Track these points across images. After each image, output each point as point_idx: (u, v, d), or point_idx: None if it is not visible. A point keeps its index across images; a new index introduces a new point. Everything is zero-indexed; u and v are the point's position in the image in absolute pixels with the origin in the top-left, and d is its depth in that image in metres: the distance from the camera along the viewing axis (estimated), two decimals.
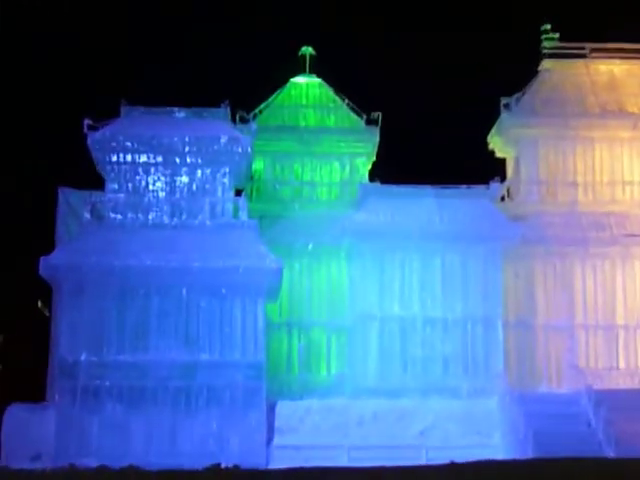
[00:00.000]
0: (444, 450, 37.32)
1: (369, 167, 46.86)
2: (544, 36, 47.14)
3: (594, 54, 47.33)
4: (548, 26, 47.01)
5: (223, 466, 33.41)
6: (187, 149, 41.70)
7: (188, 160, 41.85)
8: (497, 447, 38.27)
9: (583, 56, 47.37)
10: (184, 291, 39.80)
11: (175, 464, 33.83)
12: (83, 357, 39.09)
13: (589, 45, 47.37)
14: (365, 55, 61.45)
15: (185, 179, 41.97)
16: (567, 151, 45.24)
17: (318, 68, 48.17)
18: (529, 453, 35.51)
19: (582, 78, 46.91)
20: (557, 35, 47.10)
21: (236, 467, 33.29)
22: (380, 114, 45.87)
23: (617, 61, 47.37)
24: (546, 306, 43.20)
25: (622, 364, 42.77)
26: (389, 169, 45.51)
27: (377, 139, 45.97)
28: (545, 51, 47.24)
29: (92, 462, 35.63)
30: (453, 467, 31.81)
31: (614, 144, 45.26)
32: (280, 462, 37.22)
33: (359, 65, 59.89)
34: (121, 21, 63.01)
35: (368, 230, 42.09)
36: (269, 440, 38.91)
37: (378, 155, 46.82)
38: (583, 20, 53.18)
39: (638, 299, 43.24)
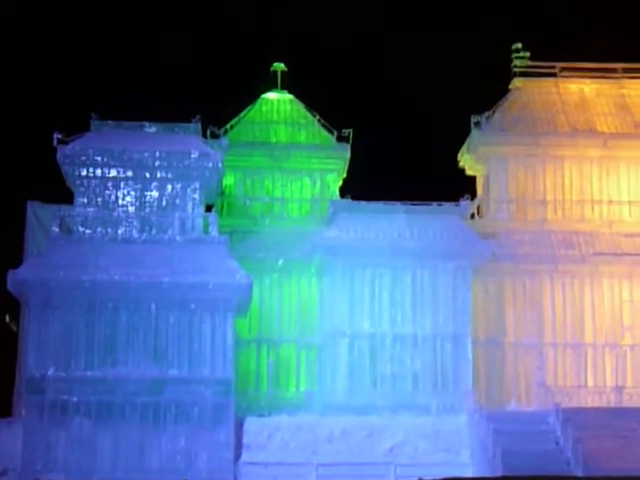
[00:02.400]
0: (413, 467, 37.36)
1: (340, 183, 46.96)
2: (515, 55, 47.40)
3: (564, 73, 47.66)
4: (519, 45, 47.29)
5: None
6: (157, 164, 41.59)
7: (158, 175, 41.74)
8: (466, 464, 38.30)
9: (554, 75, 47.70)
10: (153, 306, 39.59)
11: None
12: (51, 372, 38.80)
13: (559, 64, 47.70)
14: (337, 72, 61.61)
15: (155, 194, 41.84)
16: (537, 169, 45.46)
17: (290, 84, 48.27)
18: (497, 471, 35.48)
19: (552, 97, 47.20)
20: (528, 54, 47.37)
21: None
22: (351, 131, 45.98)
23: (587, 80, 47.72)
24: (515, 324, 43.31)
25: (590, 382, 42.90)
26: (360, 186, 45.59)
27: (348, 155, 46.06)
28: (516, 70, 47.51)
29: (59, 478, 35.46)
30: None
31: (584, 163, 45.51)
32: (248, 478, 37.15)
33: (331, 82, 60.01)
34: (92, 35, 62.85)
35: (338, 246, 42.09)
36: (237, 456, 38.74)
37: (349, 171, 46.92)
38: (554, 39, 53.54)
39: (606, 318, 43.43)
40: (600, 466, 34.85)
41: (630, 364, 43.10)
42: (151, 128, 42.93)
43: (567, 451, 36.21)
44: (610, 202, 45.00)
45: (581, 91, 47.48)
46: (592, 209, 45.07)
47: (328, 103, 48.50)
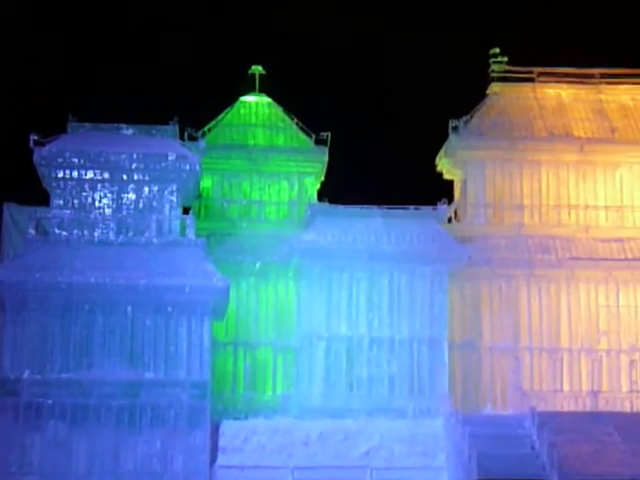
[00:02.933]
0: (389, 471, 37.47)
1: (318, 187, 46.92)
2: (493, 60, 47.54)
3: (542, 78, 47.83)
4: (497, 50, 47.42)
5: None
6: (134, 166, 41.46)
7: (135, 177, 41.61)
8: (442, 468, 38.37)
9: (531, 80, 47.85)
10: (129, 309, 39.47)
11: None
12: (26, 374, 38.61)
13: (537, 69, 47.86)
14: (315, 75, 61.59)
15: (132, 196, 41.71)
16: (514, 174, 45.59)
17: (268, 87, 48.19)
18: (473, 475, 35.52)
19: (530, 102, 47.36)
20: (506, 59, 47.51)
21: None
22: (329, 134, 45.96)
23: (565, 85, 47.90)
24: (491, 328, 43.41)
25: (566, 387, 43.04)
26: (338, 189, 45.60)
27: (326, 159, 46.05)
28: (493, 75, 47.64)
29: None
30: None
31: (560, 168, 45.67)
32: None
33: (309, 85, 60.01)
34: (69, 36, 62.59)
35: (316, 250, 42.08)
36: (213, 460, 38.64)
37: (327, 175, 46.90)
38: (531, 45, 53.67)
39: (582, 322, 43.58)
40: (575, 470, 34.98)
41: (606, 369, 43.26)
42: (128, 130, 42.83)
43: (542, 455, 36.27)
44: (587, 207, 45.16)
45: (558, 96, 47.67)
46: (569, 214, 45.21)
47: (306, 106, 48.52)
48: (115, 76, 60.03)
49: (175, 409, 38.79)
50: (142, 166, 41.51)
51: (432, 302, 42.28)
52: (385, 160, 59.32)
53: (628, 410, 42.11)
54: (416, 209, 43.49)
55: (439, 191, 46.05)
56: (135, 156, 41.49)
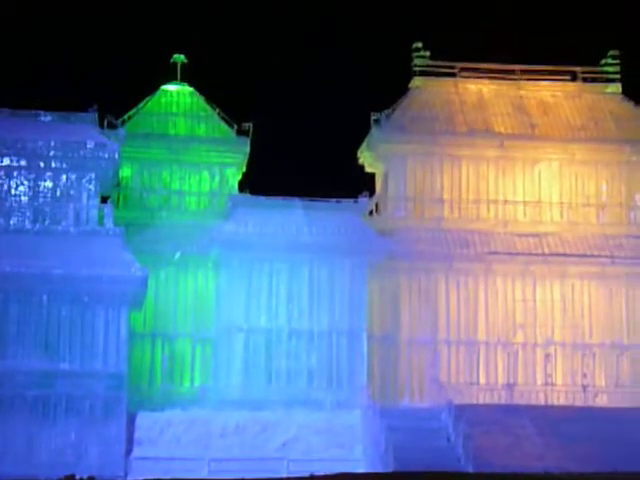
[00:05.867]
0: (306, 463, 37.37)
1: (239, 178, 46.69)
2: (415, 54, 47.69)
3: (464, 73, 48.13)
4: (419, 44, 47.57)
5: (78, 477, 32.77)
6: (52, 153, 40.93)
7: (53, 165, 41.08)
8: (358, 460, 38.44)
9: (453, 75, 48.13)
10: (45, 298, 38.99)
11: (30, 474, 33.20)
12: None
13: (459, 64, 48.16)
14: (237, 66, 61.36)
15: (49, 184, 41.15)
16: (434, 168, 45.81)
17: (190, 77, 47.83)
18: (389, 467, 35.68)
19: (451, 97, 47.61)
20: (428, 53, 47.68)
21: (91, 478, 32.66)
22: (251, 125, 45.77)
23: (486, 81, 48.27)
24: (410, 321, 43.62)
25: (482, 379, 43.42)
26: (259, 180, 45.48)
27: (248, 150, 45.84)
28: (416, 69, 47.79)
29: None
30: None
31: (480, 163, 45.99)
32: (139, 473, 36.84)
33: (231, 75, 59.73)
34: None
35: (236, 241, 41.91)
36: (129, 451, 38.34)
37: (248, 166, 46.68)
38: (454, 40, 53.93)
39: (499, 316, 43.99)
40: (490, 462, 35.28)
41: (521, 362, 43.74)
42: (46, 117, 42.28)
43: (458, 447, 36.56)
44: (505, 202, 45.56)
45: (479, 91, 47.99)
46: (488, 209, 45.56)
47: (228, 97, 48.24)
48: (34, 62, 59.18)
49: (90, 400, 38.43)
50: (60, 154, 40.98)
51: (352, 294, 42.37)
52: (307, 152, 59.33)
53: (542, 403, 42.60)
54: (337, 202, 43.58)
55: (361, 184, 46.13)
56: (53, 143, 40.97)
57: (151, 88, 47.34)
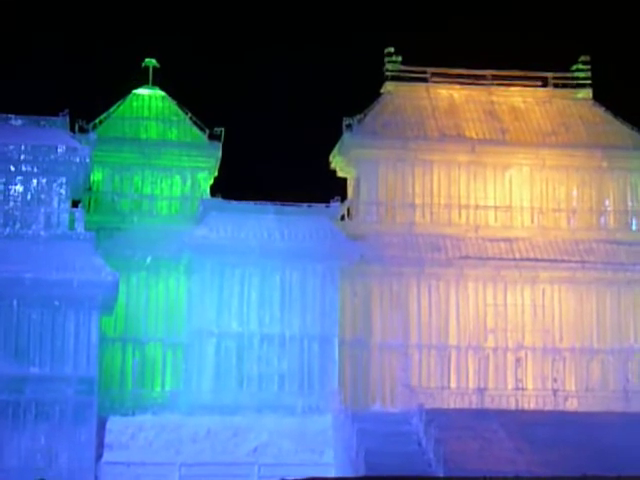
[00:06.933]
0: (277, 467, 37.36)
1: (211, 182, 46.66)
2: (387, 59, 47.80)
3: (435, 79, 48.28)
4: (391, 49, 47.71)
5: None
6: (23, 157, 40.76)
7: (23, 169, 40.91)
8: (329, 465, 38.48)
9: (425, 80, 48.25)
10: (15, 303, 38.80)
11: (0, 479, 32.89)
12: None
13: (431, 69, 48.29)
14: (210, 71, 61.27)
15: (20, 188, 40.97)
16: (406, 173, 45.92)
17: (162, 81, 47.76)
18: (360, 471, 35.69)
19: (423, 102, 47.74)
20: (400, 58, 47.81)
21: None
22: (223, 130, 45.75)
23: (457, 86, 48.42)
24: (382, 325, 43.69)
25: (453, 384, 43.53)
26: (231, 185, 45.45)
27: (219, 154, 45.85)
28: (388, 74, 47.91)
29: None
30: None
31: (452, 168, 46.13)
32: (109, 478, 36.79)
33: (203, 80, 59.66)
34: None
35: (208, 245, 41.87)
36: (99, 456, 38.23)
37: (220, 170, 46.66)
38: (426, 45, 54.10)
39: (471, 320, 44.12)
40: (460, 466, 35.32)
41: (492, 366, 43.89)
42: (17, 121, 42.10)
43: (429, 452, 36.63)
44: (477, 207, 45.72)
45: (451, 97, 48.15)
46: (459, 213, 45.71)
47: (200, 101, 48.29)
48: (4, 65, 58.84)
49: (60, 405, 38.28)
50: (31, 158, 40.83)
51: (323, 299, 42.40)
52: (279, 157, 59.38)
53: (513, 407, 42.77)
54: (309, 206, 43.60)
55: (332, 189, 46.20)
56: (23, 147, 40.82)
57: (123, 92, 47.28)
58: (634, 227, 46.49)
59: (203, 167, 46.11)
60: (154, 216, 44.84)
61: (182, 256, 42.56)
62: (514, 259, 44.44)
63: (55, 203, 41.10)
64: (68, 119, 42.45)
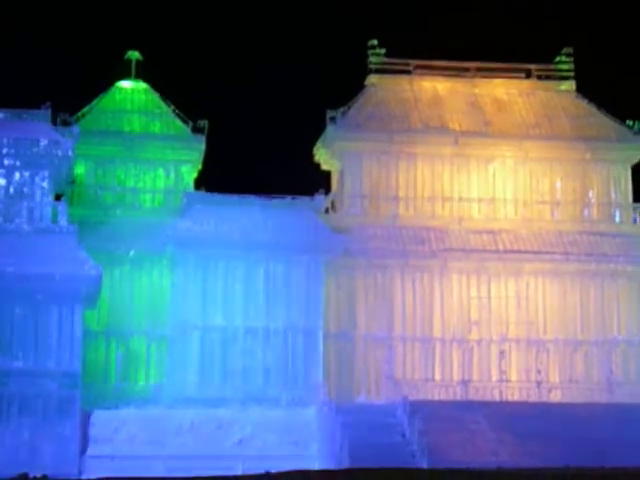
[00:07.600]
0: (261, 460, 37.34)
1: (195, 175, 46.54)
2: (371, 51, 47.75)
3: (419, 71, 48.21)
4: (375, 42, 47.66)
5: (31, 476, 32.55)
6: (5, 151, 40.62)
7: (6, 162, 40.76)
8: (314, 457, 38.56)
9: (408, 72, 48.19)
10: None
11: None
12: None
13: (414, 62, 48.23)
14: (193, 63, 61.18)
15: (2, 182, 40.84)
16: (390, 166, 45.91)
17: (144, 73, 47.58)
18: (344, 463, 35.78)
19: (406, 94, 47.70)
20: (383, 51, 47.77)
21: (44, 477, 32.48)
22: (207, 122, 45.61)
23: (441, 78, 48.37)
24: (366, 317, 43.71)
25: (438, 376, 43.59)
26: (215, 178, 45.37)
27: (203, 147, 45.71)
28: (371, 66, 47.85)
29: None
30: (267, 477, 31.75)
31: (435, 160, 46.14)
32: (94, 472, 36.69)
33: (186, 72, 59.53)
34: None
35: (192, 238, 41.81)
36: (83, 450, 38.22)
37: (204, 163, 46.55)
38: (409, 37, 54.13)
39: (455, 313, 44.18)
40: (445, 458, 35.40)
41: (476, 358, 43.95)
42: None
43: (413, 443, 36.71)
44: (460, 199, 45.73)
45: (434, 89, 48.12)
46: (443, 206, 45.72)
47: (184, 94, 48.10)
48: None
49: (44, 399, 38.22)
50: (13, 151, 40.69)
51: (308, 292, 42.40)
52: (263, 149, 59.35)
53: (497, 399, 42.88)
54: (293, 199, 43.57)
55: (316, 181, 46.16)
56: (6, 141, 40.68)
57: (105, 85, 47.09)
58: (617, 219, 46.58)
59: (186, 160, 45.97)
60: (137, 209, 44.67)
61: (166, 249, 42.49)
62: (498, 251, 44.51)
63: (38, 196, 40.96)
64: (50, 112, 42.24)
